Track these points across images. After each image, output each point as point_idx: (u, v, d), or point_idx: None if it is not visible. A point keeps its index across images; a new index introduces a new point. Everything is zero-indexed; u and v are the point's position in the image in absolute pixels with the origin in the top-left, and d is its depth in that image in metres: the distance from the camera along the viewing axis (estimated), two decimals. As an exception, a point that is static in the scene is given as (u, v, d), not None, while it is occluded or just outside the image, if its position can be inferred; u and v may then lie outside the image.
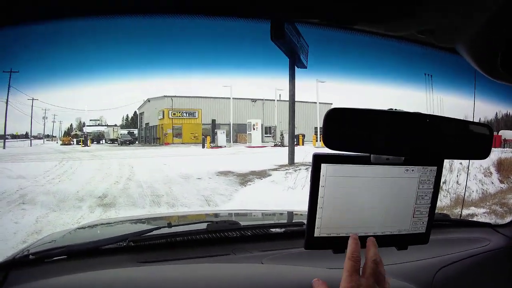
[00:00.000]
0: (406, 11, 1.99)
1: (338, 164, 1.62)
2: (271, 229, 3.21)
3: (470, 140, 1.72)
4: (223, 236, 2.99)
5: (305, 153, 22.48)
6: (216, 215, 5.09)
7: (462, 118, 1.69)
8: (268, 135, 54.80)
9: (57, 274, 2.33)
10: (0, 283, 2.31)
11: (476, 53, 2.14)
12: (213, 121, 56.85)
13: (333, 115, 1.55)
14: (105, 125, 73.65)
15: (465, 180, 16.93)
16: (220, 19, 2.26)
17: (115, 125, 72.40)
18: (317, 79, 44.79)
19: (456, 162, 18.31)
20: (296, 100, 27.65)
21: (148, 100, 66.38)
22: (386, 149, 1.61)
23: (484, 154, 1.75)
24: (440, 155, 1.71)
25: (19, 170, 23.43)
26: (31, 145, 56.97)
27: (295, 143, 29.66)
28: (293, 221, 3.67)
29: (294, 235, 3.05)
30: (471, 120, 1.73)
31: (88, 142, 56.58)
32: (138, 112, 76.56)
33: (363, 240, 1.70)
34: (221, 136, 46.94)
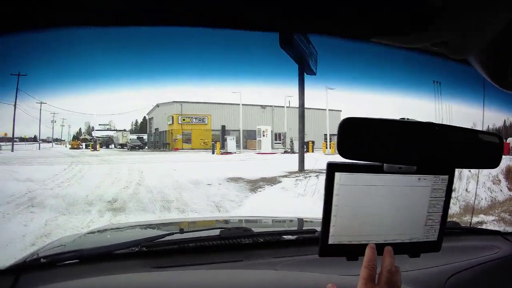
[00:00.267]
0: (421, 24, 2.00)
1: (352, 173, 1.64)
2: (284, 236, 3.25)
3: (481, 149, 1.75)
4: (236, 243, 3.03)
5: (315, 160, 22.51)
6: (226, 221, 5.16)
7: (470, 127, 1.81)
8: (277, 141, 54.96)
9: (69, 278, 2.39)
10: (11, 286, 2.33)
11: (487, 64, 2.17)
12: (223, 127, 56.95)
13: (347, 125, 1.57)
14: (114, 130, 73.79)
15: (474, 188, 16.88)
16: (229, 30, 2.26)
17: (124, 130, 72.59)
18: (326, 86, 44.90)
19: (465, 170, 18.32)
20: (305, 106, 27.70)
21: (158, 106, 66.55)
22: (398, 158, 1.64)
23: (494, 163, 1.79)
24: (451, 164, 1.73)
25: (28, 173, 23.45)
26: (39, 149, 57.23)
27: (305, 150, 29.68)
28: (304, 228, 3.71)
29: (306, 242, 3.10)
30: (480, 128, 1.74)
31: (97, 146, 56.78)
32: (147, 117, 76.68)
33: (378, 248, 1.71)
34: (230, 142, 46.99)
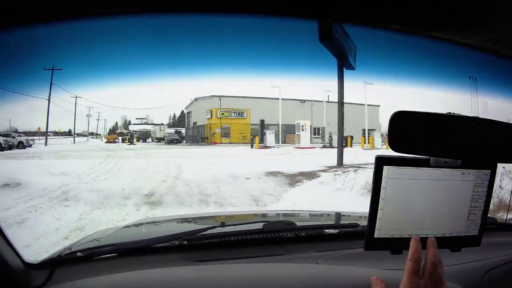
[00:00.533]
0: (479, 19, 2.07)
1: (399, 166, 1.66)
2: (325, 230, 3.26)
3: None
4: (278, 236, 3.01)
5: (354, 154, 22.44)
6: (264, 215, 5.22)
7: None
8: (316, 136, 55.26)
9: (107, 271, 2.36)
10: (46, 280, 2.31)
11: None
12: (262, 121, 57.35)
13: (398, 118, 1.59)
14: (152, 124, 74.63)
15: (507, 185, 16.66)
16: (269, 19, 2.30)
17: (162, 124, 73.48)
18: (365, 80, 44.90)
19: (500, 166, 17.97)
20: (344, 101, 27.78)
21: (196, 100, 67.32)
22: (445, 152, 1.64)
23: None
24: (494, 158, 1.74)
25: (62, 167, 23.82)
26: (74, 143, 58.21)
27: (344, 144, 29.70)
28: (344, 222, 3.81)
29: (348, 236, 3.07)
30: None
31: (134, 140, 57.39)
32: (185, 112, 77.56)
33: (421, 241, 1.70)
34: (269, 137, 47.50)
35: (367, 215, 1.71)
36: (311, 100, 62.36)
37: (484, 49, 2.44)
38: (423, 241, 1.70)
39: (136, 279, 2.28)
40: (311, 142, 47.89)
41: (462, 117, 1.62)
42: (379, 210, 1.67)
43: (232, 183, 19.49)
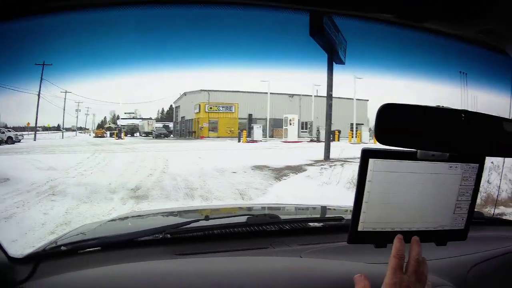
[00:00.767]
0: (475, 10, 2.06)
1: (386, 159, 1.64)
2: (309, 223, 3.24)
3: (511, 138, 1.71)
4: (262, 230, 3.03)
5: (341, 148, 22.53)
6: (250, 208, 5.28)
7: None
8: (304, 130, 55.28)
9: (90, 265, 2.37)
10: (30, 274, 2.31)
11: None
12: (250, 115, 57.31)
13: (386, 110, 1.56)
14: (140, 118, 74.38)
15: (495, 179, 16.72)
16: (259, 11, 2.25)
17: (150, 118, 73.25)
18: (354, 75, 45.00)
19: (488, 161, 18.08)
20: (333, 96, 27.84)
21: (185, 94, 67.21)
22: (432, 145, 1.62)
23: None
24: (482, 151, 1.73)
25: (50, 161, 23.75)
26: (62, 137, 57.74)
27: (331, 138, 29.76)
28: (329, 215, 3.78)
29: (332, 230, 3.06)
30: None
31: (122, 134, 57.27)
32: (174, 106, 77.37)
33: (405, 235, 1.71)
34: (257, 131, 47.43)
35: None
36: (299, 95, 62.27)
37: (475, 41, 2.46)
38: (409, 234, 1.72)
39: (118, 272, 2.30)
40: (298, 136, 47.91)
41: (450, 110, 1.62)
42: (363, 203, 1.66)
43: (218, 177, 19.57)
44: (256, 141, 44.76)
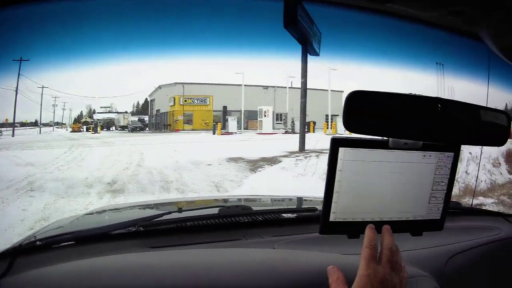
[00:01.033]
0: None
1: (356, 148, 1.60)
2: (283, 214, 3.20)
3: (487, 126, 1.69)
4: (234, 221, 2.99)
5: (316, 140, 22.56)
6: (225, 200, 5.08)
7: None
8: (279, 122, 55.09)
9: (65, 260, 2.32)
10: (6, 270, 2.28)
11: (499, 40, 2.19)
12: (224, 107, 56.98)
13: (354, 98, 1.52)
14: (116, 112, 73.91)
15: (473, 170, 16.90)
16: None
17: (126, 112, 72.83)
18: (329, 66, 45.09)
19: (466, 152, 18.44)
20: (308, 87, 27.78)
21: (160, 87, 66.80)
22: (404, 133, 1.58)
23: (501, 141, 1.74)
24: (457, 140, 1.68)
25: (28, 157, 23.56)
26: (40, 133, 57.11)
27: (306, 130, 29.77)
28: (304, 206, 3.60)
29: (306, 221, 3.04)
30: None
31: (98, 129, 56.82)
32: (149, 99, 76.89)
33: (379, 225, 1.68)
34: (232, 123, 47.25)
35: None
36: (274, 86, 62.28)
37: (450, 28, 2.44)
38: (382, 225, 1.69)
39: (91, 266, 2.26)
40: (273, 128, 47.69)
41: (422, 97, 1.58)
42: (334, 193, 1.62)
43: (193, 170, 19.62)
44: (231, 133, 44.66)
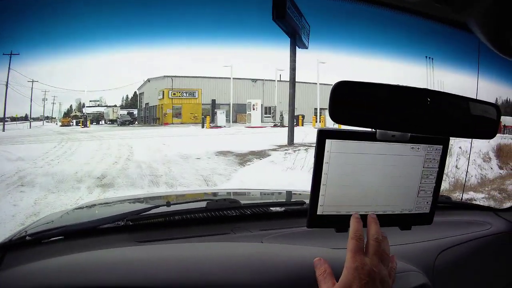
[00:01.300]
0: None
1: (343, 140, 1.59)
2: (271, 208, 3.17)
3: (477, 119, 1.69)
4: (222, 215, 2.97)
5: (305, 133, 22.55)
6: (214, 194, 4.99)
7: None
8: (267, 115, 55.04)
9: (54, 254, 2.29)
10: None
11: (488, 28, 2.14)
12: (213, 101, 56.95)
13: (340, 88, 1.51)
14: (105, 106, 73.54)
15: (463, 165, 16.93)
16: None
17: (115, 106, 72.43)
18: (318, 59, 45.06)
19: (456, 146, 18.46)
20: (296, 80, 27.76)
21: (148, 80, 66.57)
22: (392, 124, 1.57)
23: (490, 134, 1.74)
24: (446, 132, 1.67)
25: (18, 152, 23.43)
26: (30, 127, 56.73)
27: (295, 123, 29.76)
28: (293, 200, 3.61)
29: (294, 214, 3.02)
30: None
31: (88, 123, 56.58)
32: (138, 93, 76.54)
33: (365, 218, 1.69)
34: (220, 116, 47.18)
35: None
36: (262, 80, 62.25)
37: (439, 18, 2.43)
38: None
39: (80, 261, 2.22)
40: (262, 121, 47.67)
41: (410, 89, 1.56)
42: (321, 186, 1.61)
43: (182, 164, 19.66)
44: (219, 127, 44.64)
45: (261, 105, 48.10)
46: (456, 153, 18.27)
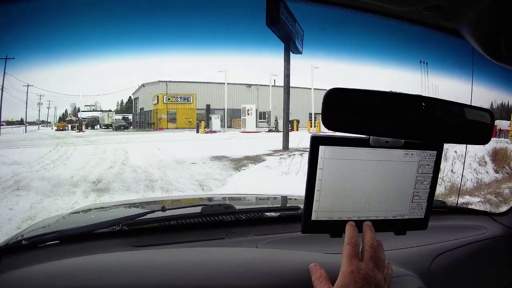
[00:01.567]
0: None
1: (337, 146, 1.60)
2: (266, 213, 3.18)
3: (471, 124, 1.69)
4: (217, 220, 2.96)
5: (299, 138, 22.53)
6: (210, 199, 4.88)
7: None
8: (262, 120, 54.96)
9: (49, 259, 2.30)
10: None
11: (479, 35, 2.16)
12: (208, 106, 56.95)
13: (333, 95, 1.53)
14: (100, 111, 73.43)
15: (459, 169, 16.93)
16: None
17: (110, 110, 72.31)
18: (312, 64, 45.06)
19: (451, 150, 18.49)
20: (291, 85, 27.73)
21: (143, 85, 66.43)
22: (385, 131, 1.59)
23: (484, 139, 1.74)
24: (440, 138, 1.69)
25: (14, 156, 23.39)
26: (26, 131, 56.53)
27: (290, 128, 29.75)
28: (288, 205, 3.61)
29: (289, 219, 3.02)
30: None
31: (83, 127, 56.44)
32: (133, 97, 76.39)
33: (361, 224, 1.70)
34: (215, 121, 47.28)
35: None
36: (257, 85, 62.12)
37: (430, 24, 2.39)
38: (363, 223, 1.70)
39: (75, 265, 2.22)
40: (256, 126, 47.65)
41: (404, 95, 1.57)
42: (315, 192, 1.63)
43: (178, 168, 19.62)
44: (214, 132, 44.63)
45: (256, 110, 48.09)
46: (451, 157, 18.30)
